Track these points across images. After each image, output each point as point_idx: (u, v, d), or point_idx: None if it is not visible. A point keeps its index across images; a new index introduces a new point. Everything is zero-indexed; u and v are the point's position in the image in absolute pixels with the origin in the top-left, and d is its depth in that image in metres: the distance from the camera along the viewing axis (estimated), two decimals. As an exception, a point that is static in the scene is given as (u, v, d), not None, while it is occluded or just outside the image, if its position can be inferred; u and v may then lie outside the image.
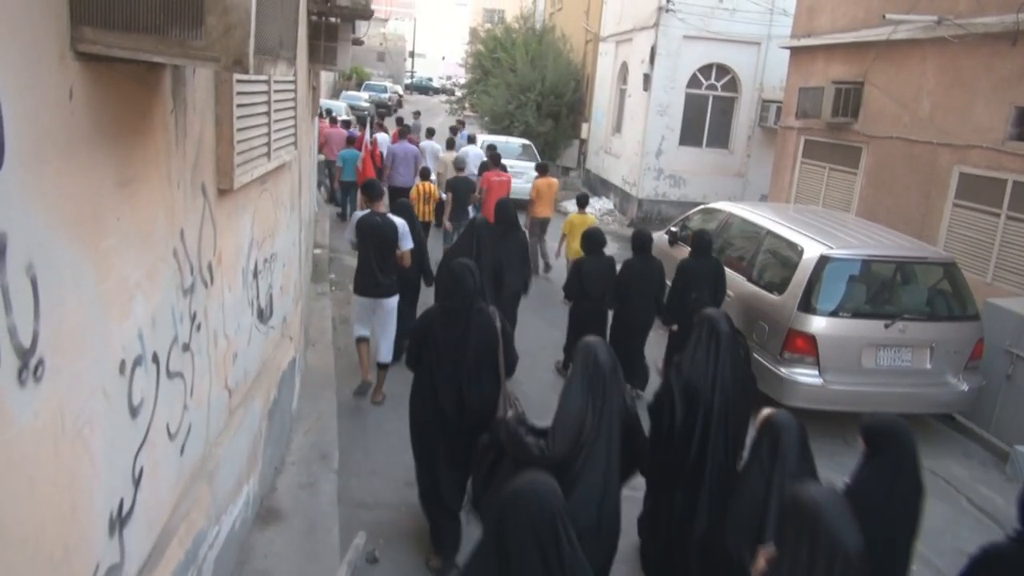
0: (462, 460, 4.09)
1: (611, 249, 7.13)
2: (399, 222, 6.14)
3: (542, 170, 11.14)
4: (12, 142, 1.61)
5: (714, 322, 3.93)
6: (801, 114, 11.45)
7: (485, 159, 11.87)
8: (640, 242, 6.81)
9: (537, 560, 2.07)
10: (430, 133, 14.78)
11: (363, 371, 6.49)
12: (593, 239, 6.84)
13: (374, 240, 6.05)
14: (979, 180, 8.28)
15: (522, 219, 10.32)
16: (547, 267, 10.82)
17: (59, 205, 1.86)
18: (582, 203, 9.52)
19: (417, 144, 13.05)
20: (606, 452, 3.26)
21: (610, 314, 6.85)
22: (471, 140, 15.77)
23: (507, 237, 7.15)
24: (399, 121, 14.28)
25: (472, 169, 11.67)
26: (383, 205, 6.43)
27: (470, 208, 10.34)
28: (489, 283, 6.23)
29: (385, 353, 6.31)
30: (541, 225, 10.91)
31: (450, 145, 12.90)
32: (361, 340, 6.42)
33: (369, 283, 6.14)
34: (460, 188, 10.16)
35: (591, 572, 2.24)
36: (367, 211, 6.22)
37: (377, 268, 6.09)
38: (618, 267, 6.92)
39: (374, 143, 13.44)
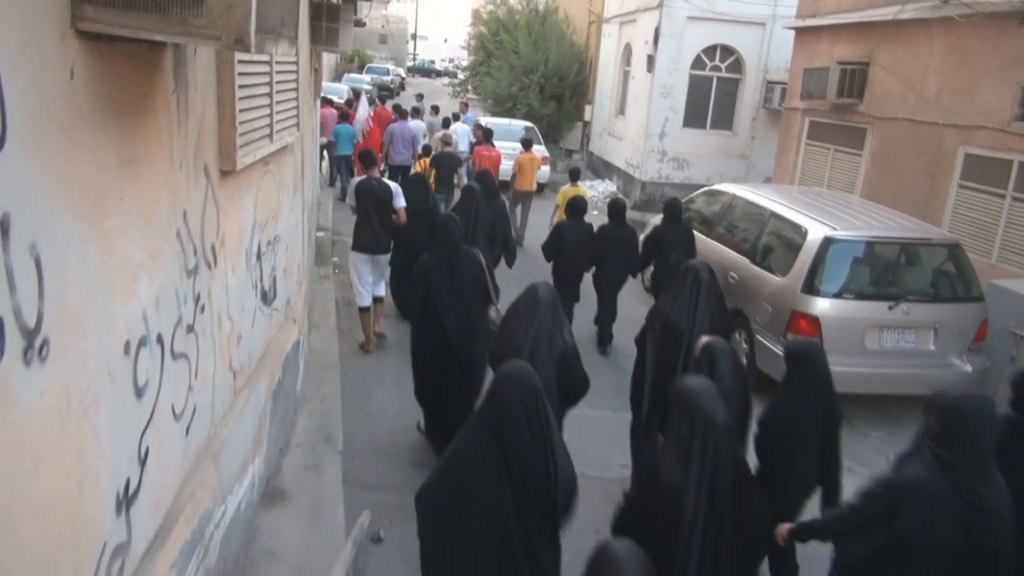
0: (464, 385, 4.88)
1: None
2: (392, 184, 6.83)
3: (526, 145, 11.94)
4: (14, 121, 1.60)
5: (697, 271, 4.39)
6: (806, 95, 11.36)
7: (472, 138, 12.77)
8: (615, 210, 7.44)
9: (524, 425, 2.53)
10: (416, 112, 15.02)
11: (366, 340, 6.96)
12: (575, 205, 7.49)
13: (372, 202, 6.63)
14: (985, 161, 8.23)
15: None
16: (519, 238, 10.99)
17: (61, 184, 1.85)
18: (574, 176, 10.07)
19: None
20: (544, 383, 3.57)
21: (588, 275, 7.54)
22: (457, 119, 15.91)
23: (490, 203, 7.84)
24: (396, 108, 14.43)
25: (463, 147, 12.50)
26: (378, 171, 7.21)
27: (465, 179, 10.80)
28: (484, 242, 7.03)
29: (379, 288, 7.05)
30: (525, 197, 11.64)
31: (445, 124, 13.55)
32: (364, 310, 6.93)
33: (369, 241, 6.74)
34: (444, 163, 10.75)
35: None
36: (363, 176, 6.75)
37: (377, 227, 6.69)
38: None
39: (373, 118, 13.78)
